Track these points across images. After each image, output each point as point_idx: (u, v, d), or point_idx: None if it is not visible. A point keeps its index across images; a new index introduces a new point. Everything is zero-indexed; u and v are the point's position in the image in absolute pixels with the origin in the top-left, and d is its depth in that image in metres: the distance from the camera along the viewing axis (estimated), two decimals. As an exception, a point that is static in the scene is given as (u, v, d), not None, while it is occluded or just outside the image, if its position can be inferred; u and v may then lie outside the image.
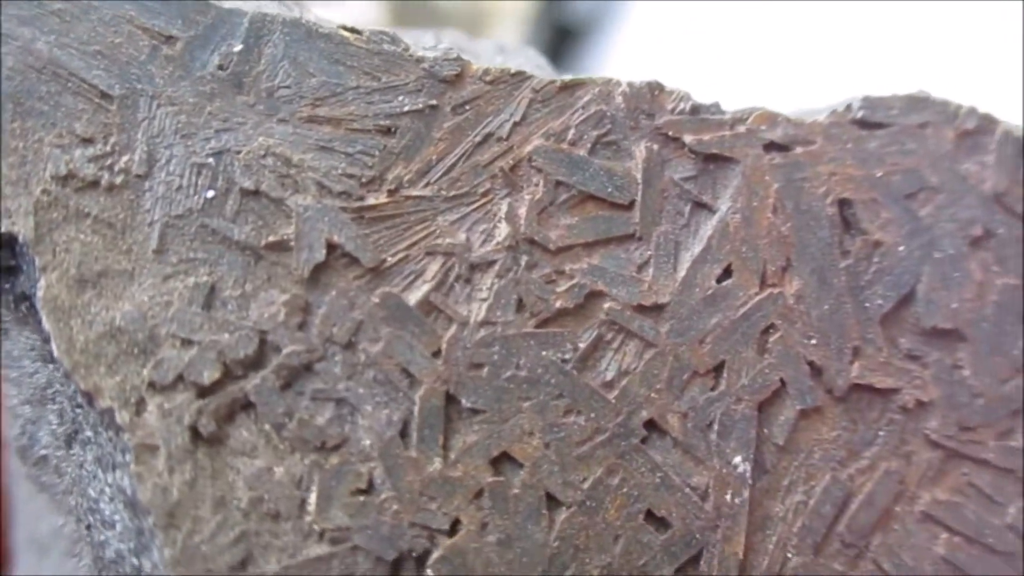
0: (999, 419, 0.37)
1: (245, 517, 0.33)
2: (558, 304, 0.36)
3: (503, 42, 0.50)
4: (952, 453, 0.37)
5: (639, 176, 0.37)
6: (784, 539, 0.36)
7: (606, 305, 0.36)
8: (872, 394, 0.37)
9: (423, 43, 0.38)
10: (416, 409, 0.35)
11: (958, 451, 0.37)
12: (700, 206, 0.37)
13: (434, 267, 0.35)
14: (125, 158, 0.34)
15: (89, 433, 0.36)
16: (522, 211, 0.36)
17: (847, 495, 0.37)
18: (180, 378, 0.33)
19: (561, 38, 1.18)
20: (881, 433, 0.37)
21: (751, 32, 0.93)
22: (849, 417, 0.37)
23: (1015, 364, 0.37)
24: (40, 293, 0.34)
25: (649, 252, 0.37)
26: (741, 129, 0.37)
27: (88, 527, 0.37)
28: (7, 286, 0.36)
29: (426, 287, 0.35)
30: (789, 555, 0.36)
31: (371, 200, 0.35)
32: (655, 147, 0.37)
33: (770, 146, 0.37)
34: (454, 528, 0.34)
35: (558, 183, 0.36)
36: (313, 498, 0.33)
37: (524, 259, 0.36)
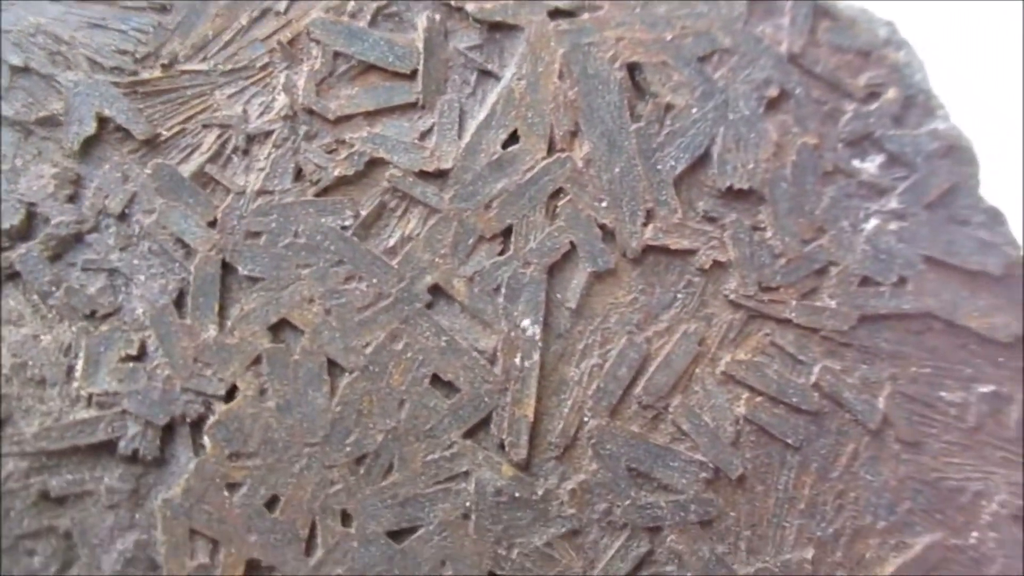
0: (801, 279, 0.37)
1: (7, 382, 0.33)
2: (337, 172, 0.36)
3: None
4: (753, 313, 0.37)
5: (421, 46, 0.37)
6: (579, 402, 0.36)
7: (388, 172, 0.36)
8: (669, 256, 0.37)
9: None
10: (191, 278, 0.34)
11: (759, 311, 0.37)
12: (486, 74, 0.37)
13: (210, 139, 0.35)
14: None
15: None
16: (301, 82, 0.36)
17: (644, 357, 0.36)
18: None
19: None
20: (679, 295, 0.37)
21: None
22: (646, 280, 0.37)
23: (816, 224, 0.37)
24: None
25: (432, 120, 0.36)
26: None
27: None
28: None
29: (201, 159, 0.35)
30: (585, 418, 0.36)
31: (145, 75, 0.35)
32: (437, 17, 0.37)
33: (555, 13, 0.37)
34: (231, 394, 0.34)
35: (337, 54, 0.36)
36: (80, 364, 0.33)
37: (303, 129, 0.36)
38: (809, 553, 0.35)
